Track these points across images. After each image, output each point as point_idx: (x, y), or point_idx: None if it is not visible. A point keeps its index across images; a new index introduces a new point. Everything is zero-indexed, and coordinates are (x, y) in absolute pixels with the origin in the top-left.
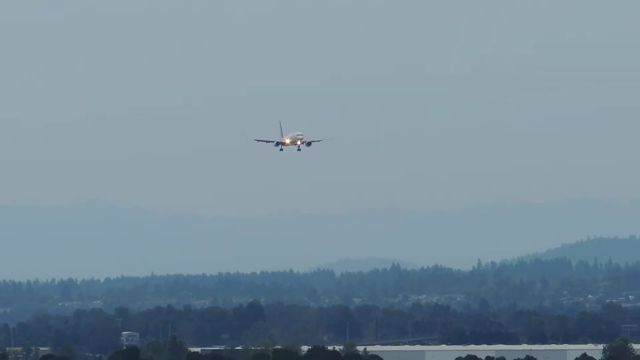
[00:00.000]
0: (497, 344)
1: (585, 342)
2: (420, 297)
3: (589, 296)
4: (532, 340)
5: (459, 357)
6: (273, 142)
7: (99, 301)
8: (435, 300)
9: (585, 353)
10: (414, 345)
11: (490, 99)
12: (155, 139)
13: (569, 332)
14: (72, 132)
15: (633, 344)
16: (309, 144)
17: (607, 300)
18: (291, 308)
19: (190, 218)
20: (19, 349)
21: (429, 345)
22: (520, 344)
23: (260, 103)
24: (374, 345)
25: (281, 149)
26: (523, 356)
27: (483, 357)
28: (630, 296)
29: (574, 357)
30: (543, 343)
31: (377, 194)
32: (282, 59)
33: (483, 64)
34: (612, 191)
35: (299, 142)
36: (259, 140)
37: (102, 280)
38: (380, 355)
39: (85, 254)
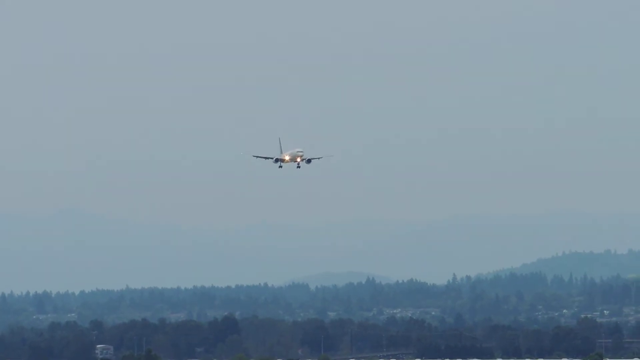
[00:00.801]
0: (472, 358)
1: (560, 357)
2: (395, 311)
3: (564, 311)
4: (506, 355)
5: None
6: (272, 158)
7: (73, 314)
8: (410, 315)
9: None
10: (388, 359)
11: (465, 110)
12: (131, 151)
13: (544, 347)
14: (47, 142)
15: (608, 359)
16: (308, 161)
17: (582, 315)
18: (266, 322)
19: (165, 231)
20: None
21: (403, 359)
22: (495, 359)
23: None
24: (348, 359)
25: (280, 166)
26: None
27: None
28: (605, 311)
29: None
30: (518, 358)
31: (353, 207)
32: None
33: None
34: (587, 206)
35: (298, 159)
36: (258, 157)
37: (77, 293)
38: None
39: (60, 266)
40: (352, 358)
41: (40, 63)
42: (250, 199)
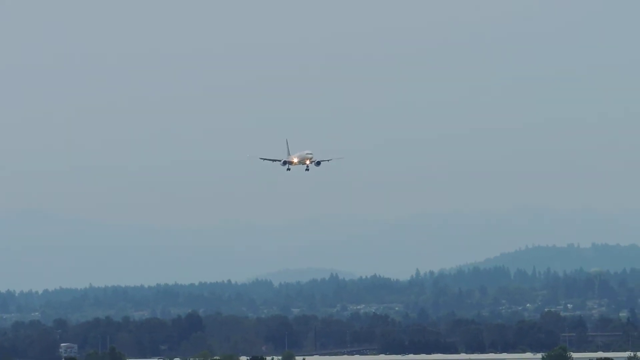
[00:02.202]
0: (436, 353)
1: (523, 351)
2: (358, 307)
3: (528, 305)
4: (470, 350)
5: None
6: (280, 161)
7: (37, 313)
8: (373, 310)
9: None
10: (352, 355)
11: (428, 111)
12: (91, 148)
13: (508, 341)
14: (6, 141)
15: (572, 353)
16: (318, 163)
17: (546, 309)
18: (230, 319)
19: (128, 229)
20: None
21: (367, 355)
22: (459, 353)
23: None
24: (312, 355)
25: (288, 169)
26: None
27: None
28: (568, 305)
29: None
30: (481, 352)
31: (316, 204)
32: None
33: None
34: (550, 200)
35: (307, 162)
36: (264, 159)
37: (40, 292)
38: None
39: (23, 266)
40: (316, 354)
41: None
42: (212, 198)
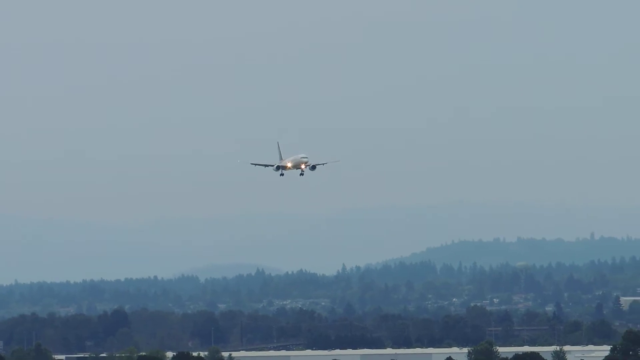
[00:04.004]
0: (362, 348)
1: (450, 346)
2: (285, 302)
3: (454, 299)
4: (397, 344)
5: None
6: (272, 166)
7: None
8: (300, 305)
9: (450, 356)
10: (279, 350)
11: (355, 106)
12: (18, 140)
13: (434, 336)
14: None
15: (498, 347)
16: (313, 167)
17: (472, 304)
18: (156, 314)
19: (53, 225)
20: None
21: (294, 350)
22: (385, 348)
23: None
24: (239, 350)
25: (282, 174)
26: None
27: None
28: (494, 299)
29: None
30: (408, 347)
31: (243, 199)
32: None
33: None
34: (476, 195)
35: (303, 166)
36: (256, 165)
37: None
38: None
39: None
40: (242, 349)
41: None
42: (138, 194)
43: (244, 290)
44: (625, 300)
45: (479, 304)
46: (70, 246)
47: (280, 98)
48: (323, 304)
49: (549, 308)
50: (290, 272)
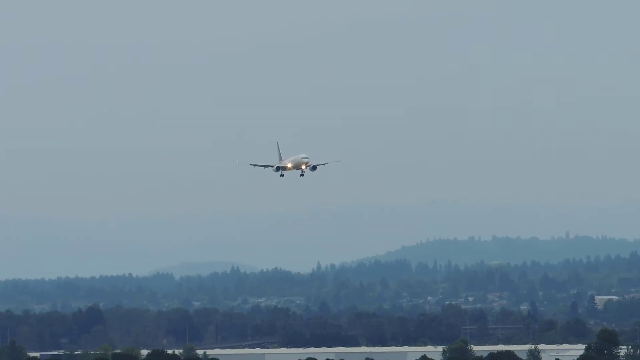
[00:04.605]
0: (337, 346)
1: (425, 344)
2: (259, 300)
3: (429, 298)
4: (371, 343)
5: (299, 359)
6: (272, 166)
7: None
8: (274, 303)
9: (425, 355)
10: (253, 348)
11: (323, 101)
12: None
13: (409, 334)
14: None
15: (473, 346)
16: (314, 167)
17: (447, 302)
18: (131, 312)
19: (28, 223)
20: None
21: (268, 348)
22: (360, 346)
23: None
24: (213, 348)
25: (282, 175)
26: (363, 358)
27: None
28: (469, 298)
29: (414, 359)
30: (383, 345)
31: (217, 196)
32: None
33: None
34: (451, 193)
35: (303, 167)
36: (255, 165)
37: None
38: (220, 359)
39: None
40: (217, 347)
41: None
42: (112, 190)
43: (218, 288)
44: (600, 299)
45: (453, 303)
46: (44, 243)
47: (275, 95)
48: (298, 302)
49: (524, 307)
50: (265, 270)
